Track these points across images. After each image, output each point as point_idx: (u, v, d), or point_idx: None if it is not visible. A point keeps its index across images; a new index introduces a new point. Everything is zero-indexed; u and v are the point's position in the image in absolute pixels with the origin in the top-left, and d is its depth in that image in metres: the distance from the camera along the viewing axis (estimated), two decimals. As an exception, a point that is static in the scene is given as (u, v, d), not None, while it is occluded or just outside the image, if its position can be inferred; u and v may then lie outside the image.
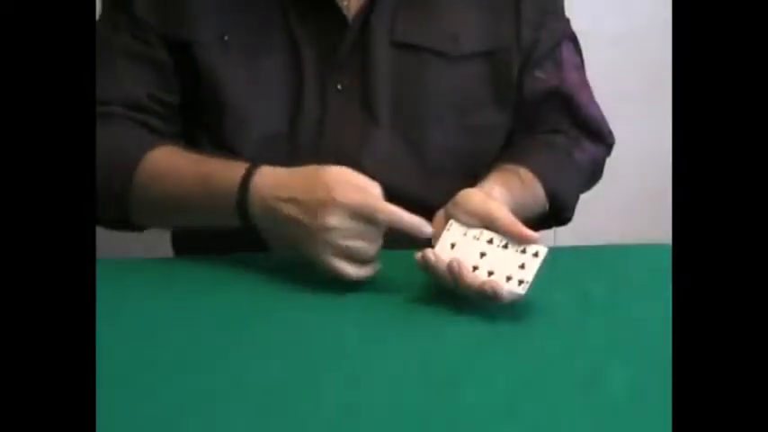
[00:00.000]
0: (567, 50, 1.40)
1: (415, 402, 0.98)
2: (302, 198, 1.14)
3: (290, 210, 1.14)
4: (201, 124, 1.34)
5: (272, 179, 1.17)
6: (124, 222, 1.27)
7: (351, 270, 1.14)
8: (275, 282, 1.19)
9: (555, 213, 1.35)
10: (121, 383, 0.99)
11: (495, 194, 1.21)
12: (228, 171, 1.19)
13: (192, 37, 1.31)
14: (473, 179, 1.28)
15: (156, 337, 1.08)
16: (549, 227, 1.38)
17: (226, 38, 1.30)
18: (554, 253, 1.23)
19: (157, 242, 1.33)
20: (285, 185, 1.16)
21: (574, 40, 1.43)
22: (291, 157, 1.31)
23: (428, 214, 1.21)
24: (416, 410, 0.96)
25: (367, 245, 1.14)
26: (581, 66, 1.43)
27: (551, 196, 1.33)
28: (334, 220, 1.12)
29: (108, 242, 1.25)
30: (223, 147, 1.32)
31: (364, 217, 1.13)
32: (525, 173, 1.31)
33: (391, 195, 1.31)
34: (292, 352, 1.06)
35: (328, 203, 1.12)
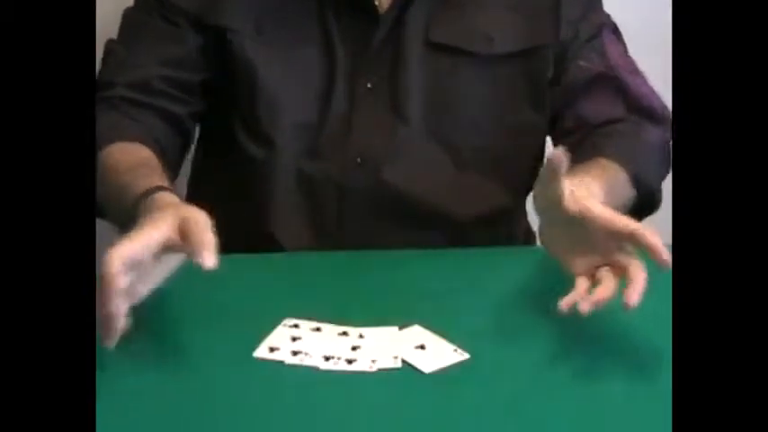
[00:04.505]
0: (608, 38, 1.39)
1: (415, 402, 0.98)
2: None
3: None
4: (236, 110, 1.35)
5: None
6: None
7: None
8: (275, 281, 1.19)
9: (643, 199, 1.28)
10: (121, 383, 0.99)
11: (594, 189, 1.09)
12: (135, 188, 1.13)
13: (227, 24, 1.32)
14: (507, 180, 1.31)
15: (155, 337, 1.08)
16: (642, 217, 1.27)
17: (260, 26, 1.32)
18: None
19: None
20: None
21: (615, 29, 1.42)
22: (319, 149, 1.32)
23: (447, 218, 1.23)
24: (416, 410, 0.97)
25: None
26: (625, 53, 1.41)
27: (635, 180, 1.25)
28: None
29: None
30: (257, 133, 1.33)
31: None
32: (607, 162, 1.24)
33: (417, 195, 1.32)
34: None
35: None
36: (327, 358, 1.03)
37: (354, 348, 1.04)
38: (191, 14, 1.32)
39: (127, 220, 1.06)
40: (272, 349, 1.05)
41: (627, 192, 1.25)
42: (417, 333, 1.07)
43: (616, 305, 1.16)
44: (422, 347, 1.05)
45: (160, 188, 1.09)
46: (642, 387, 1.00)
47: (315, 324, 1.07)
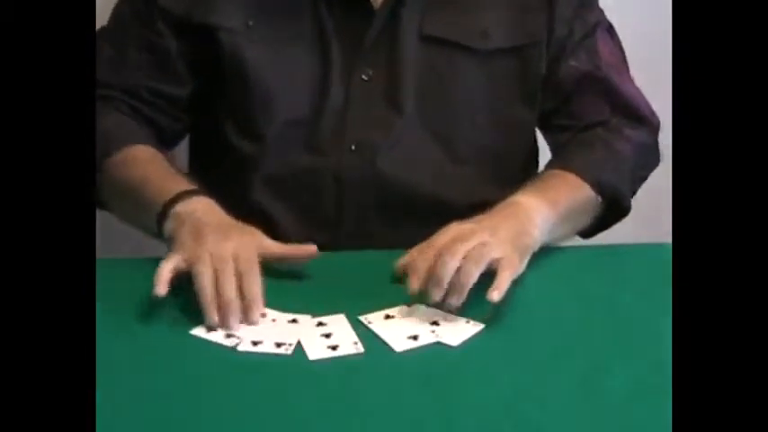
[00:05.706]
0: (601, 38, 1.41)
1: (415, 402, 0.98)
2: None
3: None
4: (227, 109, 1.35)
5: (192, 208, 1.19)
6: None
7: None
8: (275, 280, 1.19)
9: (610, 203, 1.33)
10: (121, 383, 0.99)
11: (532, 203, 1.22)
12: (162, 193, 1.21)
13: (217, 22, 1.32)
14: (500, 172, 1.33)
15: (155, 337, 1.08)
16: (612, 220, 1.35)
17: (250, 23, 1.32)
18: (554, 253, 1.24)
19: (157, 242, 1.33)
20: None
21: (609, 28, 1.43)
22: (315, 143, 1.32)
23: (443, 209, 1.25)
24: (416, 410, 0.97)
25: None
26: (617, 52, 1.43)
27: (596, 188, 1.31)
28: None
29: (108, 242, 1.25)
30: (248, 131, 1.33)
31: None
32: (570, 176, 1.31)
33: (413, 185, 1.32)
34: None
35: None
36: (255, 343, 1.06)
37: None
38: (175, 15, 1.32)
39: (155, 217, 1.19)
40: (209, 329, 1.08)
41: (588, 203, 1.31)
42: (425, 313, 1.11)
43: (616, 305, 1.16)
44: (435, 324, 1.09)
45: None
46: (642, 388, 1.00)
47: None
